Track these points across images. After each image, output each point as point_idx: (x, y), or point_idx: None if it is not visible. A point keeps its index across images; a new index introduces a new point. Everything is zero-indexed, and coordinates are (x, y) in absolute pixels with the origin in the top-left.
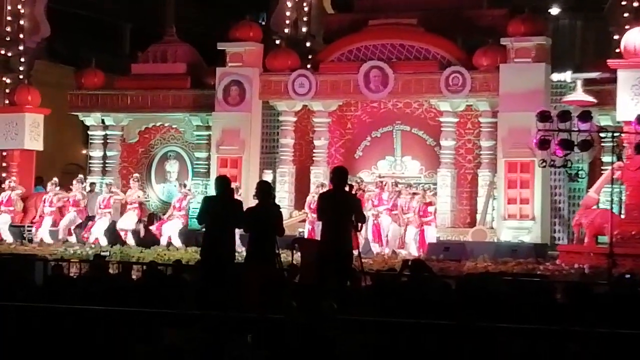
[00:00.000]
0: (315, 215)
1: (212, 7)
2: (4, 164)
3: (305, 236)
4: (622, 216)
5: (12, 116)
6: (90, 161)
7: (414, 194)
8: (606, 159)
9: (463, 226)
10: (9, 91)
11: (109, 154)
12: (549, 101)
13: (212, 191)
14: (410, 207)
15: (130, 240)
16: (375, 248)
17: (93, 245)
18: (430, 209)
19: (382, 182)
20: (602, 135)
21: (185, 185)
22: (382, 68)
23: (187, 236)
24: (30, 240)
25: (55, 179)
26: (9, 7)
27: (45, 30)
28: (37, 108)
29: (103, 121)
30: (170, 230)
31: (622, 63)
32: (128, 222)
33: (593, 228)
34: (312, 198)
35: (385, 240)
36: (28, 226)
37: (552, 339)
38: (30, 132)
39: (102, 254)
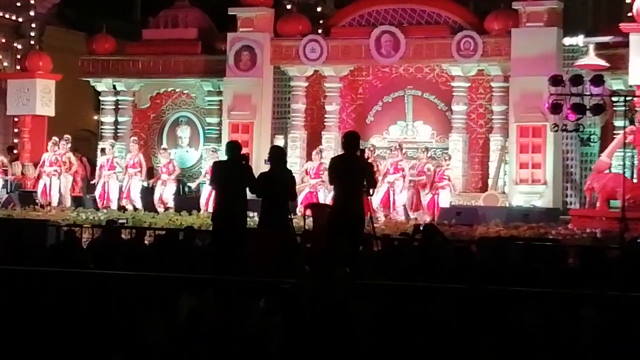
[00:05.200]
0: (314, 181)
1: None
2: (15, 130)
3: (302, 202)
4: (634, 180)
5: (24, 82)
6: (101, 127)
7: (430, 157)
8: (618, 123)
9: (475, 191)
10: (20, 57)
11: (120, 119)
12: (561, 65)
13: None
14: (423, 171)
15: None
16: (380, 213)
17: (105, 211)
18: (446, 175)
19: (397, 149)
20: (614, 99)
21: (215, 150)
22: (393, 33)
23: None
24: (42, 206)
25: (55, 138)
26: None
27: None
28: (48, 74)
29: (114, 87)
30: (167, 197)
31: (635, 27)
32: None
33: (605, 192)
34: (312, 165)
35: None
36: None
37: (565, 303)
38: (42, 97)
39: (120, 221)
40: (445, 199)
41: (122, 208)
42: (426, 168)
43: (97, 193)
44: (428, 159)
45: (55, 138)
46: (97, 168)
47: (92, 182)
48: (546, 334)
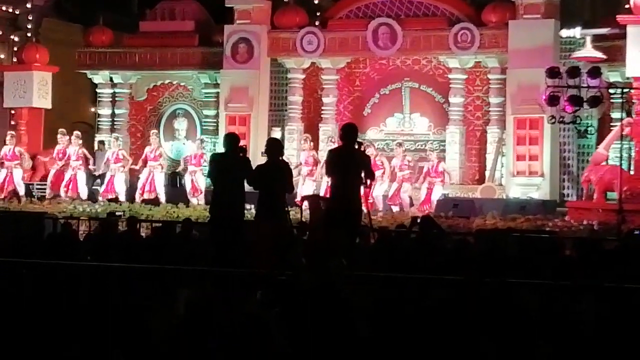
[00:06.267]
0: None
1: None
2: (12, 122)
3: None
4: (632, 172)
5: (21, 74)
6: (98, 119)
7: (406, 150)
8: (615, 115)
9: (472, 183)
10: (17, 49)
11: (117, 112)
12: (558, 57)
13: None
14: (405, 165)
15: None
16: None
17: (102, 203)
18: (440, 168)
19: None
20: (611, 91)
21: (202, 141)
22: (390, 25)
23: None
24: (40, 198)
25: (77, 132)
26: None
27: None
28: (45, 66)
29: (111, 79)
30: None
31: (632, 19)
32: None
33: (602, 184)
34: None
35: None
36: (37, 184)
37: (562, 294)
38: (39, 90)
39: (117, 213)
40: (437, 193)
41: (145, 201)
42: (407, 161)
43: (103, 186)
44: (404, 152)
45: (77, 132)
46: (104, 161)
47: (95, 172)
48: (544, 323)
